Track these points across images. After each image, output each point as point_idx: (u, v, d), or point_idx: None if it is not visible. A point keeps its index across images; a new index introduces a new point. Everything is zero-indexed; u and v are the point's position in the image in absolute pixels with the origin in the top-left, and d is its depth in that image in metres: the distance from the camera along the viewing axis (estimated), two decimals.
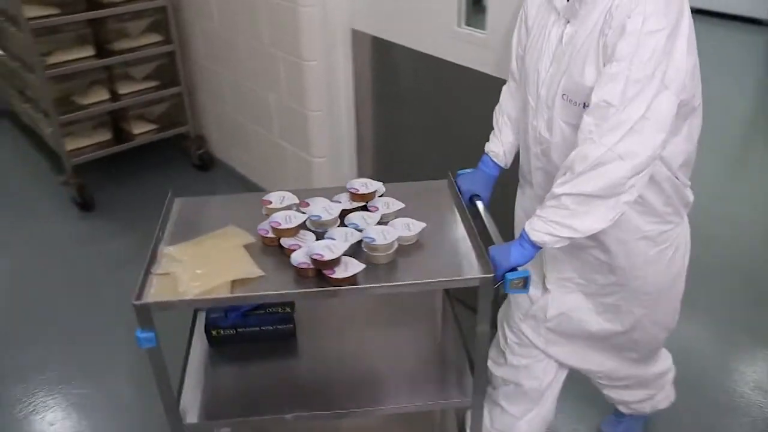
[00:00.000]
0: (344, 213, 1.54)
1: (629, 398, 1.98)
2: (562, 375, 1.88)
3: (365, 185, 1.60)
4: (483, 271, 1.39)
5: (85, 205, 3.52)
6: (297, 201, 1.59)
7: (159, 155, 3.92)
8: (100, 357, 2.56)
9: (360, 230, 1.47)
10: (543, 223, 1.39)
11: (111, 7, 3.32)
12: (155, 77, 3.63)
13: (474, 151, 1.76)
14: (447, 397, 1.57)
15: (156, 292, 1.36)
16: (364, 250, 1.43)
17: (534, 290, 1.75)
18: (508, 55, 1.70)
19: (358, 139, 2.94)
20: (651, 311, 1.70)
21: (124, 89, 3.54)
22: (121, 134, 3.68)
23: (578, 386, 1.99)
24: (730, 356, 2.53)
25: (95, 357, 2.56)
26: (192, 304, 1.35)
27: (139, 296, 1.34)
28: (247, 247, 1.48)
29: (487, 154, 1.73)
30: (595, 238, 1.54)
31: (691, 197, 1.60)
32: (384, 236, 1.41)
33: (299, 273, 1.38)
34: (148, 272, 1.41)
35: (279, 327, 1.72)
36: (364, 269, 1.36)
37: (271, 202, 1.58)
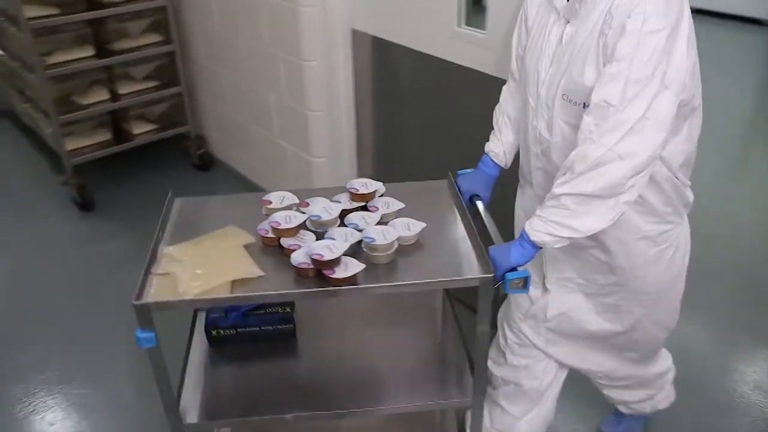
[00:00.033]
0: (344, 213, 1.54)
1: (629, 398, 1.99)
2: (562, 375, 1.88)
3: (365, 185, 1.60)
4: (483, 271, 1.39)
5: (85, 205, 3.52)
6: (297, 201, 1.59)
7: (159, 155, 3.92)
8: (100, 357, 2.55)
9: (360, 230, 1.47)
10: (543, 223, 1.39)
11: (111, 7, 3.31)
12: (155, 77, 3.63)
13: (474, 151, 1.76)
14: (447, 397, 1.57)
15: (156, 292, 1.36)
16: (364, 250, 1.43)
17: (534, 290, 1.75)
18: (508, 55, 1.70)
19: (358, 139, 2.94)
20: (651, 311, 1.70)
21: (124, 89, 3.54)
22: (121, 134, 3.68)
23: (578, 386, 1.99)
24: (730, 356, 2.53)
25: (95, 357, 2.56)
26: (192, 304, 1.35)
27: (139, 296, 1.34)
28: (247, 247, 1.48)
29: (487, 154, 1.73)
30: (595, 238, 1.54)
31: (691, 197, 1.60)
32: (384, 236, 1.41)
33: (299, 273, 1.38)
34: (148, 272, 1.41)
35: (279, 327, 1.72)
36: (364, 269, 1.36)
37: (271, 202, 1.58)
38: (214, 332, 1.71)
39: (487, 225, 1.58)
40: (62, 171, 3.51)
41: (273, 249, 1.48)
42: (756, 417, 2.26)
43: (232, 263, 1.42)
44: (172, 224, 1.61)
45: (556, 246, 1.40)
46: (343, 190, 1.62)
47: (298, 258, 1.38)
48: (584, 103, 1.36)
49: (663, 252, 1.60)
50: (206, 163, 3.87)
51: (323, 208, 1.52)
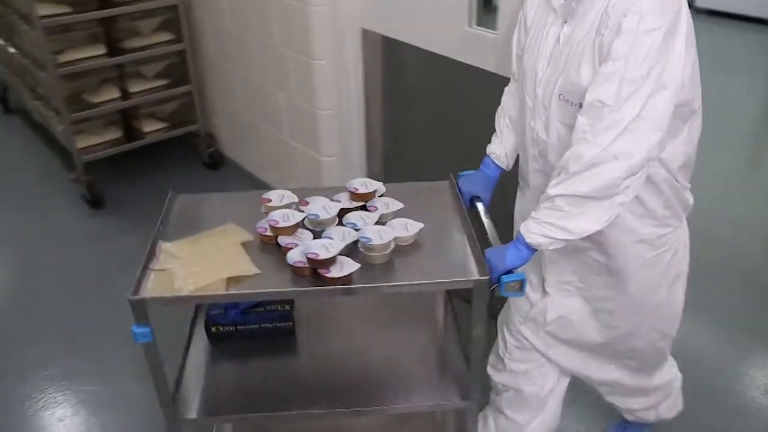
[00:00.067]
0: (344, 212, 1.54)
1: (632, 406, 1.96)
2: (565, 382, 1.87)
3: (365, 185, 1.59)
4: (479, 273, 1.38)
5: (95, 202, 3.54)
6: (296, 199, 1.59)
7: (169, 153, 3.93)
8: (109, 354, 2.57)
9: (358, 230, 1.46)
10: (538, 225, 1.37)
11: (122, 5, 3.33)
12: (166, 76, 3.64)
13: (483, 152, 1.75)
14: (441, 399, 1.56)
15: (153, 287, 1.37)
16: (361, 249, 1.42)
17: (534, 293, 1.74)
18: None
19: (368, 138, 2.94)
20: (649, 316, 1.68)
21: (134, 87, 3.55)
22: (131, 132, 3.69)
23: (584, 393, 1.98)
24: (740, 360, 2.52)
25: (104, 354, 2.57)
26: (187, 301, 1.36)
27: (136, 291, 1.35)
28: (245, 244, 1.48)
29: (488, 155, 1.72)
30: (594, 240, 1.52)
31: (690, 200, 1.58)
32: (380, 236, 1.41)
33: (295, 272, 1.38)
34: (146, 268, 1.42)
35: (278, 325, 1.72)
36: (360, 269, 1.36)
37: (270, 200, 1.58)
38: (213, 329, 1.72)
39: (486, 227, 1.57)
40: (73, 168, 3.53)
41: (271, 247, 1.48)
42: None
43: (228, 261, 1.42)
44: (173, 221, 1.62)
45: (551, 248, 1.39)
46: (344, 189, 1.61)
47: (294, 256, 1.38)
48: (580, 103, 1.35)
49: (661, 256, 1.58)
50: (216, 161, 3.88)
51: (322, 207, 1.52)
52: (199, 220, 1.60)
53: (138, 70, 3.56)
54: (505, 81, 1.74)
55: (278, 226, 1.46)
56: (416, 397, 1.56)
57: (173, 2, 3.41)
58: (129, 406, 2.35)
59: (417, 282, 1.38)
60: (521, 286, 1.39)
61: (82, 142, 3.47)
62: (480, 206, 1.65)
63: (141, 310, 1.34)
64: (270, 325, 1.71)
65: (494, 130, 1.74)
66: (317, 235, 1.47)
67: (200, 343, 1.73)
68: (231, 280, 1.37)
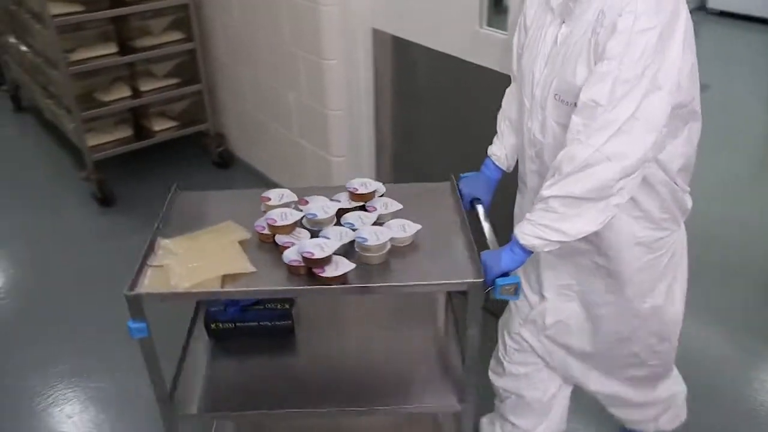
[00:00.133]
0: (343, 212, 1.54)
1: (633, 417, 1.94)
2: (567, 389, 1.86)
3: (364, 185, 1.59)
4: (474, 275, 1.38)
5: (105, 200, 3.56)
6: (296, 198, 1.60)
7: (179, 152, 3.94)
8: (118, 351, 2.57)
9: (355, 230, 1.46)
10: (532, 227, 1.37)
11: (134, 4, 3.35)
12: (176, 75, 3.65)
13: None
14: (439, 401, 1.56)
15: (149, 283, 1.38)
16: (357, 250, 1.43)
17: (534, 296, 1.73)
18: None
19: (377, 138, 2.94)
20: (646, 321, 1.66)
21: (145, 86, 3.57)
22: (141, 131, 3.71)
23: (590, 399, 1.96)
24: (751, 364, 2.49)
25: (113, 351, 2.58)
26: (182, 297, 1.37)
27: (132, 287, 1.35)
28: (243, 243, 1.49)
29: (489, 156, 1.72)
30: (592, 242, 1.51)
31: (689, 204, 1.56)
32: (377, 237, 1.41)
33: (291, 270, 1.39)
34: (143, 263, 1.42)
35: (277, 323, 1.73)
36: (355, 269, 1.36)
37: (270, 199, 1.58)
38: (213, 325, 1.73)
39: (485, 229, 1.56)
40: (83, 167, 3.55)
41: (269, 246, 1.49)
42: None
43: (225, 258, 1.43)
44: (174, 217, 1.63)
45: (546, 249, 1.39)
46: (344, 189, 1.62)
47: (290, 255, 1.39)
48: (575, 103, 1.34)
49: (658, 259, 1.56)
50: (225, 160, 3.89)
51: (320, 207, 1.52)
52: (200, 217, 1.61)
53: (148, 68, 3.57)
54: None
55: (276, 224, 1.47)
56: (412, 399, 1.56)
57: (184, 1, 3.43)
58: (138, 403, 2.36)
59: (411, 283, 1.39)
60: (516, 289, 1.38)
61: (92, 141, 3.49)
62: (479, 208, 1.65)
63: (137, 305, 1.35)
64: (269, 323, 1.72)
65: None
66: (315, 234, 1.47)
67: (200, 340, 1.74)
68: (227, 278, 1.38)
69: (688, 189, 1.54)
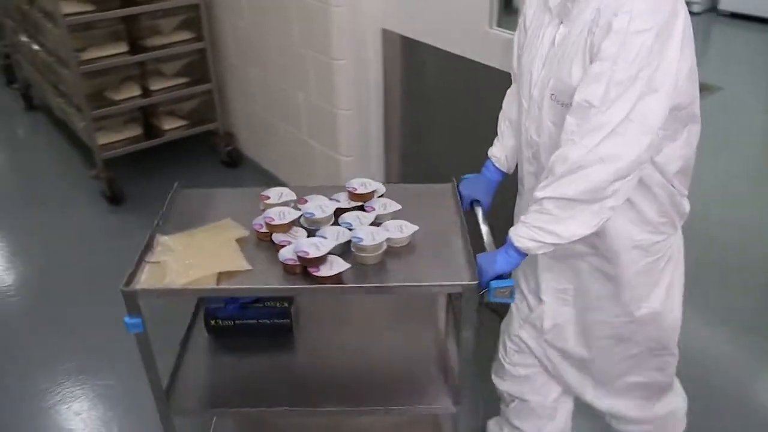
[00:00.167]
0: (341, 212, 1.54)
1: (631, 429, 1.90)
2: (570, 397, 1.85)
3: (363, 185, 1.60)
4: (469, 277, 1.37)
5: (114, 198, 3.57)
6: (295, 197, 1.60)
7: (188, 151, 3.95)
8: (126, 349, 2.57)
9: (352, 230, 1.46)
10: (526, 229, 1.36)
11: (144, 4, 3.36)
12: (186, 74, 3.66)
13: None
14: (435, 402, 1.56)
15: (146, 279, 1.40)
16: (353, 250, 1.42)
17: (533, 298, 1.72)
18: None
19: (386, 138, 2.94)
20: (645, 326, 1.63)
21: (155, 85, 3.58)
22: (151, 130, 3.72)
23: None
24: (756, 366, 2.48)
25: (121, 349, 2.58)
26: (178, 293, 1.38)
27: (129, 283, 1.36)
28: (241, 241, 1.50)
29: (489, 158, 1.71)
30: (591, 245, 1.50)
31: (687, 207, 1.54)
32: (373, 237, 1.41)
33: (286, 269, 1.39)
34: (141, 260, 1.43)
35: (276, 321, 1.73)
36: (350, 269, 1.36)
37: (269, 198, 1.59)
38: (213, 322, 1.74)
39: (483, 231, 1.55)
40: (93, 165, 3.56)
41: (266, 244, 1.49)
42: None
43: (222, 256, 1.44)
44: (175, 214, 1.64)
45: (540, 252, 1.38)
46: (344, 189, 1.61)
47: (286, 254, 1.39)
48: (571, 104, 1.32)
49: (655, 263, 1.55)
50: (234, 160, 3.90)
51: (318, 206, 1.52)
52: (200, 215, 1.61)
53: (158, 68, 3.59)
54: None
55: (273, 223, 1.47)
56: (408, 399, 1.56)
57: (195, 1, 3.44)
58: (145, 400, 2.33)
59: (404, 284, 1.38)
60: (511, 292, 1.37)
61: (102, 139, 3.51)
62: (478, 210, 1.64)
63: (133, 301, 1.36)
64: (268, 322, 1.73)
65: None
66: (312, 233, 1.47)
67: (199, 337, 1.75)
68: (223, 275, 1.38)
69: (686, 192, 1.52)
